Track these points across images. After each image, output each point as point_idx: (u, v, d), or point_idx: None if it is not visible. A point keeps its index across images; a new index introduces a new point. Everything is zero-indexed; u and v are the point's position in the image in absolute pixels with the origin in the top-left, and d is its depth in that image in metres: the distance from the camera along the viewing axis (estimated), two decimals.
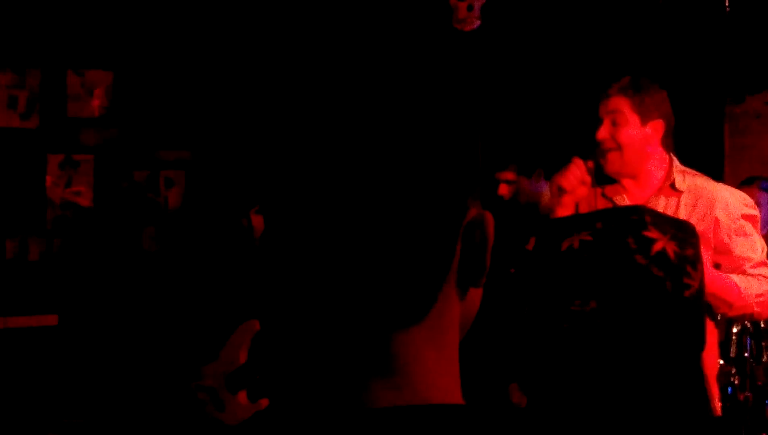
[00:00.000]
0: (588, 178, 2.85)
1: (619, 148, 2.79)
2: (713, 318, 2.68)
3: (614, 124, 2.78)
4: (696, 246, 1.05)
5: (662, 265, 1.04)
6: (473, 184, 0.78)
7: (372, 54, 0.83)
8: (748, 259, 2.71)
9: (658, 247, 1.04)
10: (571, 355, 0.99)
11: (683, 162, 2.92)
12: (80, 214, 4.65)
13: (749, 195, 4.98)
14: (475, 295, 0.79)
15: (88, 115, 4.69)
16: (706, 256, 2.67)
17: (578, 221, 1.13)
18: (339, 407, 0.72)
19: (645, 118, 2.78)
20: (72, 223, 4.62)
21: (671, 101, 2.88)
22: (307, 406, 0.74)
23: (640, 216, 1.06)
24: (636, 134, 2.78)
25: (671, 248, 1.04)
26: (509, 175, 4.50)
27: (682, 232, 1.06)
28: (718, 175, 6.18)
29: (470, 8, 4.39)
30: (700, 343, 1.01)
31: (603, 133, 2.79)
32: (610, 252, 1.05)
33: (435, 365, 0.74)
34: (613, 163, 2.81)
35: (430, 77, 0.81)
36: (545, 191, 3.56)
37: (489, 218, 0.78)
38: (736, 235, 2.72)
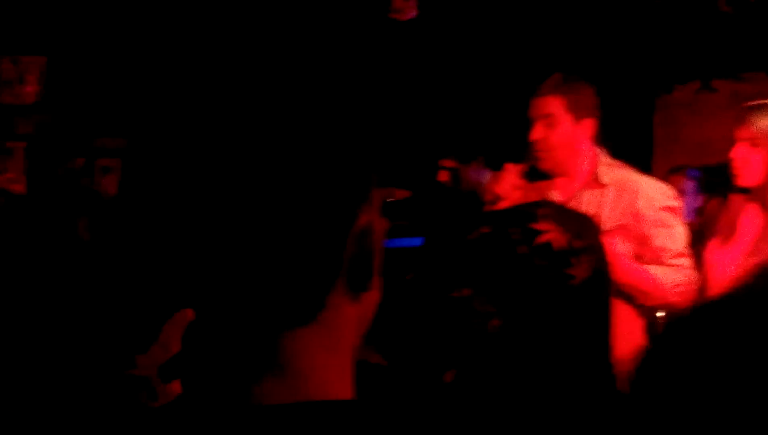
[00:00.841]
0: (521, 183, 2.92)
1: (552, 147, 2.85)
2: (636, 306, 2.77)
3: (548, 124, 2.84)
4: (589, 238, 1.12)
5: (545, 255, 1.11)
6: (366, 192, 0.81)
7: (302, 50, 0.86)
8: (668, 250, 2.79)
9: (543, 238, 1.11)
10: (452, 342, 1.05)
11: (615, 152, 3.00)
12: (13, 202, 4.60)
13: (677, 183, 5.14)
14: (371, 297, 0.83)
15: (21, 102, 4.63)
16: (626, 247, 2.77)
17: (490, 215, 1.20)
18: (230, 404, 0.76)
19: (577, 116, 2.85)
20: (4, 210, 4.57)
21: (602, 93, 2.96)
22: (202, 401, 0.79)
23: (534, 210, 1.13)
24: (568, 133, 2.84)
25: (558, 240, 1.11)
26: (450, 163, 4.59)
27: (577, 225, 1.13)
28: (647, 164, 6.34)
29: None
30: (597, 330, 1.08)
31: (537, 133, 2.85)
32: (496, 243, 1.11)
33: (326, 364, 0.78)
34: (546, 162, 2.88)
35: (331, 83, 0.85)
36: (486, 179, 3.65)
37: (379, 227, 0.82)
38: (657, 226, 2.80)
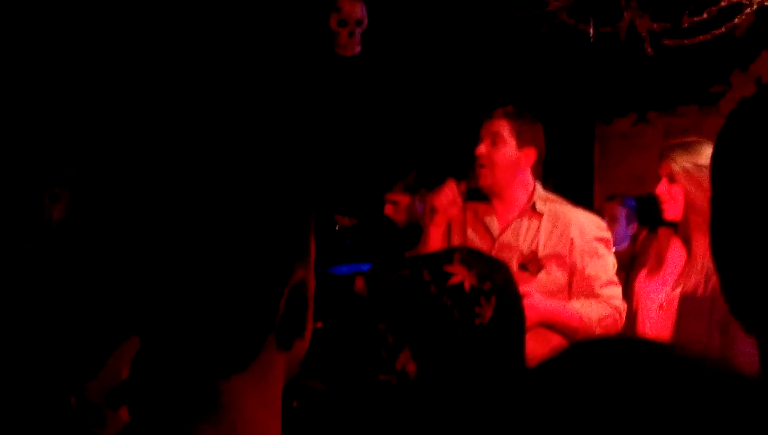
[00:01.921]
0: (459, 200, 3.04)
1: (493, 165, 2.98)
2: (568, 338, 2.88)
3: (493, 143, 2.97)
4: (499, 280, 1.22)
5: (453, 296, 1.20)
6: (302, 247, 0.86)
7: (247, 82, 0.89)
8: (598, 278, 2.92)
9: (454, 280, 1.20)
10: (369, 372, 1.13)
11: (558, 180, 3.15)
12: None
13: (611, 210, 5.31)
14: (301, 345, 0.88)
15: None
16: (558, 275, 2.89)
17: (410, 259, 1.30)
18: None
19: (521, 143, 2.98)
20: None
21: (546, 125, 3.11)
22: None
23: (448, 254, 1.23)
24: (510, 155, 2.98)
25: (468, 281, 1.20)
26: (396, 197, 4.68)
27: (488, 268, 1.22)
28: (588, 192, 6.52)
29: (351, 34, 4.53)
30: (507, 366, 1.17)
31: (482, 149, 2.99)
32: (411, 283, 1.20)
33: (257, 408, 0.84)
34: (485, 178, 3.00)
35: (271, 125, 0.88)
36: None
37: (311, 282, 0.87)
38: (588, 256, 2.93)
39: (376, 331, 1.15)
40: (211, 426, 0.81)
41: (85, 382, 2.18)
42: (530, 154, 3.01)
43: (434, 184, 3.23)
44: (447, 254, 1.22)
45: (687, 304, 2.85)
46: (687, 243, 2.92)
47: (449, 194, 3.02)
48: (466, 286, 1.18)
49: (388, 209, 4.65)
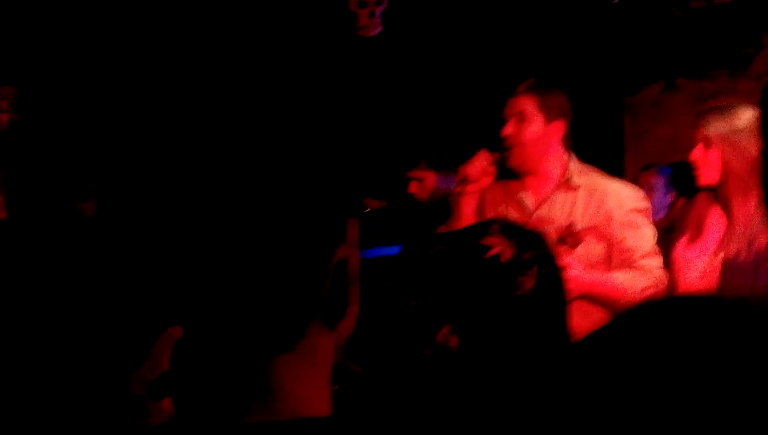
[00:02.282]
0: (492, 169, 2.99)
1: (522, 144, 2.92)
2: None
3: (520, 121, 2.91)
4: (539, 251, 1.20)
5: (493, 268, 1.18)
6: (343, 227, 0.88)
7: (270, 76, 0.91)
8: (638, 250, 2.87)
9: (493, 252, 1.19)
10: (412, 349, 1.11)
11: (587, 153, 3.09)
12: None
13: (647, 180, 5.24)
14: (346, 324, 0.90)
15: None
16: (597, 248, 2.84)
17: (451, 234, 1.28)
18: (221, 422, 0.83)
19: (548, 117, 2.92)
20: None
21: (574, 97, 3.04)
22: (193, 419, 0.86)
23: (487, 226, 1.21)
24: (539, 132, 2.92)
25: (506, 253, 1.19)
26: (420, 174, 4.64)
27: (527, 239, 1.21)
28: (619, 163, 6.45)
29: (372, 14, 4.49)
30: (551, 336, 1.16)
31: (509, 129, 2.93)
32: (449, 258, 1.19)
33: (306, 386, 0.86)
34: (515, 158, 2.95)
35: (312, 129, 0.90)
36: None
37: (355, 263, 0.89)
38: (627, 227, 2.88)
39: (415, 308, 1.13)
40: (262, 405, 0.83)
41: (128, 374, 2.19)
42: (559, 127, 2.95)
43: (460, 158, 3.19)
44: (483, 227, 1.21)
45: (729, 270, 2.80)
46: (726, 208, 2.86)
47: (482, 162, 2.98)
48: (506, 257, 1.16)
49: (413, 187, 4.61)
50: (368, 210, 4.91)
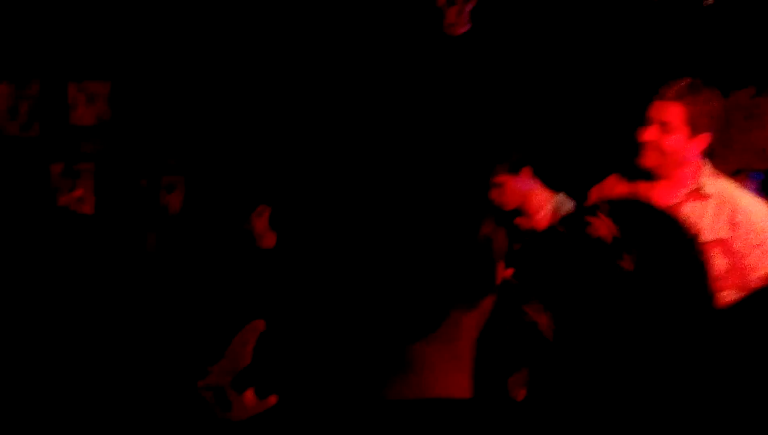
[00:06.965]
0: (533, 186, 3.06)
1: (662, 152, 2.82)
2: None
3: (663, 129, 2.80)
4: (644, 232, 1.20)
5: (597, 248, 1.17)
6: (485, 204, 0.87)
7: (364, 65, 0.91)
8: (757, 270, 2.74)
9: (598, 233, 1.18)
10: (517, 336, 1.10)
11: None
12: (83, 221, 4.74)
13: (739, 185, 5.09)
14: (487, 304, 0.88)
15: (87, 123, 4.78)
16: (721, 262, 2.69)
17: (569, 215, 1.28)
18: (360, 400, 0.82)
19: (694, 130, 2.80)
20: (75, 230, 4.71)
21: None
22: (327, 401, 0.85)
23: (594, 208, 1.21)
24: (681, 144, 2.81)
25: (612, 233, 1.18)
26: (500, 179, 4.58)
27: (633, 220, 1.21)
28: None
29: (459, 12, 4.45)
30: (667, 316, 1.15)
31: (650, 135, 2.82)
32: (554, 239, 1.18)
33: (446, 366, 0.85)
34: (650, 161, 2.85)
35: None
36: (533, 191, 3.65)
37: (499, 242, 0.86)
38: (752, 245, 2.78)
39: (514, 286, 1.12)
40: (402, 384, 0.83)
41: (209, 366, 2.21)
42: (703, 140, 2.83)
43: (538, 162, 3.15)
44: (590, 209, 1.20)
45: None
46: None
47: (517, 185, 2.96)
48: (610, 237, 1.15)
49: (494, 193, 4.56)
50: None
